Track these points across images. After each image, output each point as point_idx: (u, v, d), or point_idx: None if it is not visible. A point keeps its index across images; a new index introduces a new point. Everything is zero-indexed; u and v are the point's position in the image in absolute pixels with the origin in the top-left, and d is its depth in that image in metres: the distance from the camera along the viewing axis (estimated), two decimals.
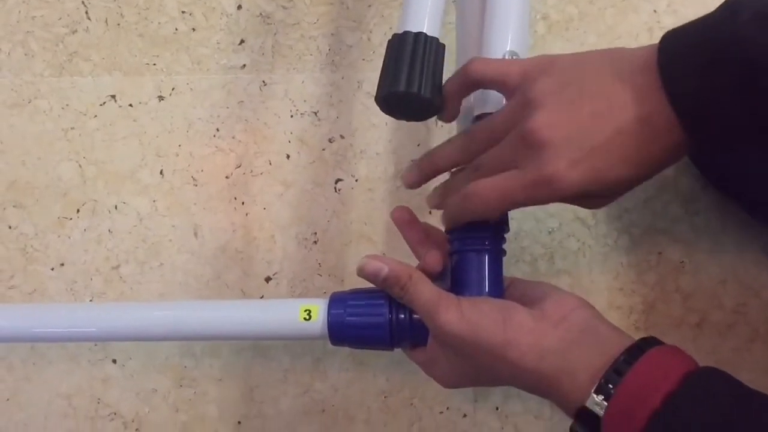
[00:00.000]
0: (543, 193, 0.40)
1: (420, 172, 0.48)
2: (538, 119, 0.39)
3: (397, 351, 0.55)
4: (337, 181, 0.59)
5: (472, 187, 0.42)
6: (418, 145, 0.59)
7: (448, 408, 0.56)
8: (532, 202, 0.41)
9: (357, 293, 0.47)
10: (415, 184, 0.48)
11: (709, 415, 0.34)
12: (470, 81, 0.44)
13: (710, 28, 0.37)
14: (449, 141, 0.47)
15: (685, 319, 0.55)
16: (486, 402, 0.56)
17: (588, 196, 0.41)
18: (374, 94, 0.60)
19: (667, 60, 0.38)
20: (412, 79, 0.41)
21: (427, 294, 0.43)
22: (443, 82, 0.44)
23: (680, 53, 0.38)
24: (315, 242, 0.58)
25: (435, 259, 0.46)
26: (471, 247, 0.45)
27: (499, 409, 0.55)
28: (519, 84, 0.42)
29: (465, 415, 0.56)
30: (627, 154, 0.39)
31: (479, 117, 0.46)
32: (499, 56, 0.46)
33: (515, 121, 0.41)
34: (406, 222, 0.48)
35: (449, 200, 0.45)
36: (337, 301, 0.47)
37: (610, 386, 0.37)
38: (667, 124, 0.38)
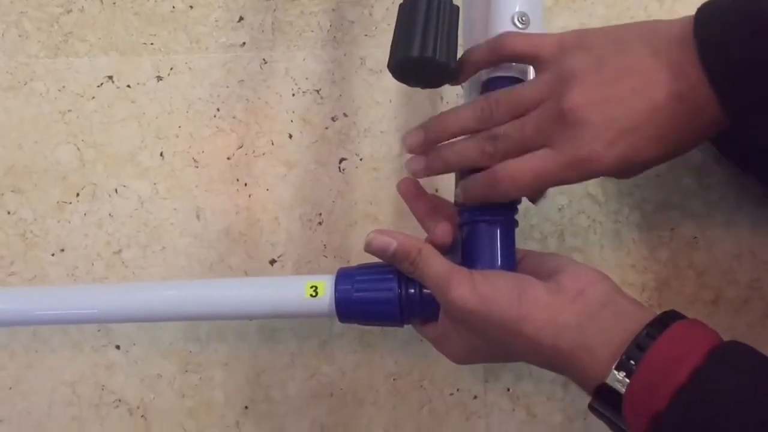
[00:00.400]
0: (578, 174, 0.39)
1: (426, 134, 0.45)
2: (576, 97, 0.38)
3: (406, 333, 0.54)
4: (341, 160, 0.58)
5: (504, 170, 0.41)
6: None
7: (458, 389, 0.55)
8: (565, 182, 0.40)
9: (365, 268, 0.46)
10: (417, 147, 0.45)
11: (737, 390, 0.33)
12: (500, 55, 0.43)
13: None
14: (464, 106, 0.44)
15: (699, 295, 0.54)
16: (497, 383, 0.55)
17: (617, 174, 0.41)
18: (377, 70, 0.59)
19: (704, 34, 0.37)
20: (427, 43, 0.40)
21: (437, 268, 0.41)
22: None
23: (718, 26, 0.37)
24: (320, 223, 0.57)
25: (445, 230, 0.45)
26: (482, 218, 0.44)
27: (511, 390, 0.54)
28: (553, 58, 0.41)
29: (476, 397, 0.55)
30: (662, 132, 0.39)
31: (490, 81, 0.45)
32: (507, 18, 0.44)
33: (549, 96, 0.40)
34: (413, 194, 0.47)
35: (472, 178, 0.43)
36: (344, 276, 0.46)
37: (632, 362, 0.35)
38: (705, 101, 0.37)
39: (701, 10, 0.38)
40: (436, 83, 0.43)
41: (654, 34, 0.39)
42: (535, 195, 0.45)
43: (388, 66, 0.42)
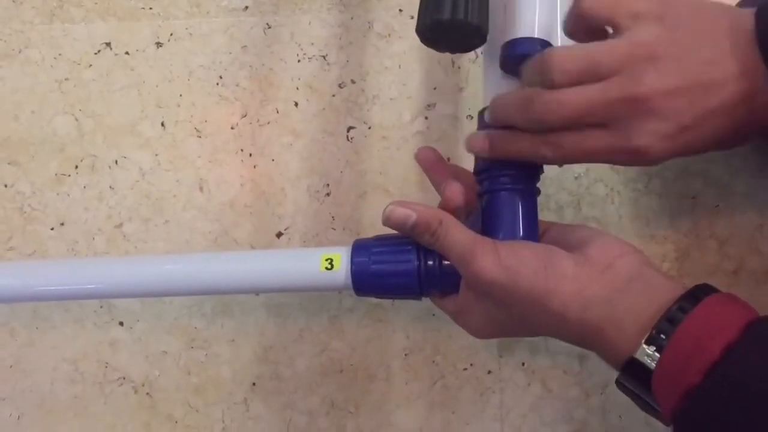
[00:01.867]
0: (625, 161, 0.38)
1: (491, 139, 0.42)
2: (651, 82, 0.36)
3: (418, 307, 0.53)
4: (349, 129, 0.56)
5: (557, 137, 0.39)
6: (435, 88, 0.56)
7: (472, 364, 0.53)
8: (606, 163, 0.40)
9: (381, 239, 0.44)
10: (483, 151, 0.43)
11: None
12: (585, 24, 0.39)
13: None
14: (515, 92, 0.42)
15: (721, 266, 0.52)
16: (512, 357, 0.53)
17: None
18: (385, 34, 0.57)
19: (765, 34, 0.35)
20: (458, 4, 0.37)
21: (460, 239, 0.39)
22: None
23: None
24: (327, 194, 0.55)
25: (454, 191, 0.42)
26: (503, 186, 0.42)
27: (526, 365, 0.53)
28: (630, 26, 0.38)
29: (490, 372, 0.53)
30: (720, 132, 0.37)
31: (513, 42, 0.42)
32: None
33: (622, 70, 0.37)
34: (432, 163, 0.45)
35: (513, 133, 0.41)
36: (360, 248, 0.44)
37: (663, 336, 0.34)
38: (766, 104, 0.36)
39: (762, 7, 0.36)
40: (467, 48, 0.40)
41: (734, 25, 0.37)
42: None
43: (417, 30, 0.39)
